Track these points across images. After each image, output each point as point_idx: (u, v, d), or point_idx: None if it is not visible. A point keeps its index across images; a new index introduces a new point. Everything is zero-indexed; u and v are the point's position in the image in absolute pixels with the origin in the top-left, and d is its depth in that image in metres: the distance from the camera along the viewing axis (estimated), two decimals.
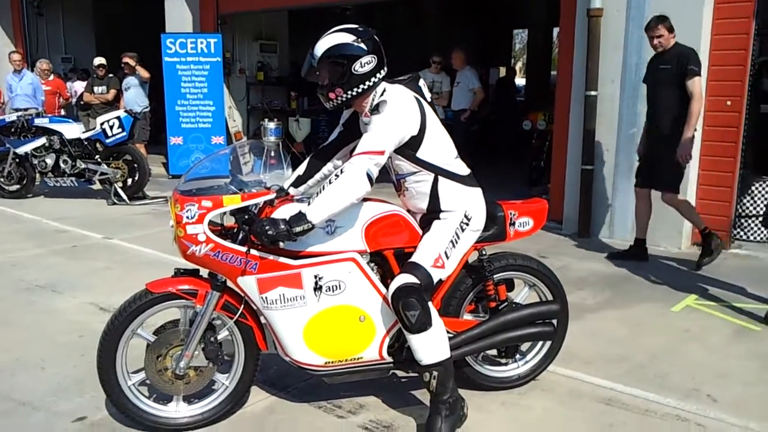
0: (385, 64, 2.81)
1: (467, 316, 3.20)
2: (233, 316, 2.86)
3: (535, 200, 3.27)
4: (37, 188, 8.69)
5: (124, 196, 8.16)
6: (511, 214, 3.12)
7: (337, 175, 2.67)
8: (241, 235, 2.75)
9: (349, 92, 2.77)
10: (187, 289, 2.83)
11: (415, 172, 2.87)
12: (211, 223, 2.78)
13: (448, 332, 2.97)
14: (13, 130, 8.21)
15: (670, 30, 5.16)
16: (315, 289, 2.78)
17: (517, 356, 3.33)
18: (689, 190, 5.88)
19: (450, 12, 14.95)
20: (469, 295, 3.16)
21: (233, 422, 3.01)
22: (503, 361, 3.33)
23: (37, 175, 8.39)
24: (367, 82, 2.76)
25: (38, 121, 8.23)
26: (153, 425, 2.89)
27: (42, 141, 8.17)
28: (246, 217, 2.77)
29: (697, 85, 5.00)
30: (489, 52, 16.49)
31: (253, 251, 2.73)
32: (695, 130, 5.15)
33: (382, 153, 2.67)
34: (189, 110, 10.14)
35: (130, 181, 8.33)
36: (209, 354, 2.86)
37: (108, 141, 8.08)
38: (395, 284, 2.74)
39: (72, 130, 8.21)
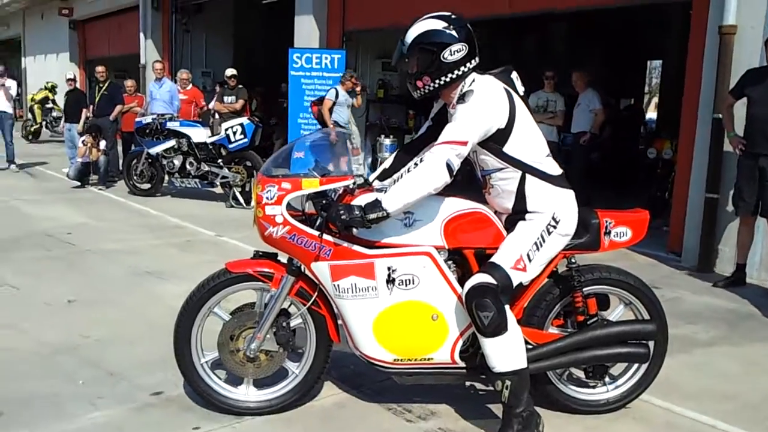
0: (477, 54, 2.71)
1: (553, 330, 3.00)
2: (307, 302, 2.84)
3: (636, 210, 3.02)
4: (166, 188, 9.26)
5: (242, 200, 8.49)
6: (606, 222, 2.90)
7: (416, 164, 2.59)
8: (318, 221, 2.73)
9: (437, 81, 2.68)
10: (264, 271, 2.85)
11: (501, 169, 2.73)
12: (293, 209, 2.79)
13: (528, 344, 2.79)
14: (147, 131, 8.80)
15: None
16: (387, 282, 2.70)
17: (607, 379, 3.07)
18: None
19: (579, 41, 14.50)
20: (555, 306, 2.96)
21: (301, 412, 2.98)
22: (591, 382, 3.08)
23: (166, 176, 8.93)
24: (456, 71, 2.66)
25: (170, 125, 8.77)
26: (221, 405, 2.91)
27: (172, 143, 8.69)
28: (324, 202, 2.76)
29: None
30: (621, 83, 15.81)
31: (327, 237, 2.70)
32: None
33: (464, 144, 2.56)
34: (311, 123, 10.41)
35: (248, 186, 8.66)
36: (280, 339, 2.86)
37: (231, 146, 8.46)
38: (470, 283, 2.61)
39: (199, 134, 8.67)
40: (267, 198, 2.72)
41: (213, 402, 2.91)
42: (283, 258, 2.92)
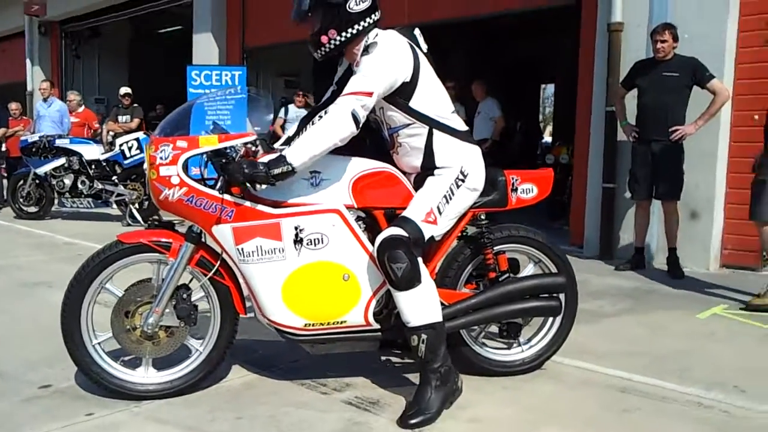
0: (379, 8, 2.67)
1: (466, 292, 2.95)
2: (208, 273, 2.66)
3: (542, 169, 3.06)
4: (56, 212, 8.70)
5: (139, 218, 8.07)
6: (513, 179, 2.91)
7: (321, 116, 2.50)
8: (219, 180, 2.58)
9: (344, 34, 2.61)
10: (160, 241, 2.65)
11: (409, 125, 2.68)
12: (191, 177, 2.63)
13: (442, 304, 2.73)
14: (34, 150, 8.26)
15: (675, 39, 5.24)
16: (295, 242, 2.57)
17: (521, 339, 3.05)
18: (716, 208, 5.59)
19: (477, 65, 14.97)
20: (467, 266, 2.93)
21: (206, 394, 2.77)
22: (505, 343, 3.05)
23: (56, 197, 8.38)
24: (362, 23, 2.60)
25: (59, 142, 8.28)
26: (118, 390, 2.66)
27: (61, 161, 8.19)
28: (224, 161, 2.61)
29: (721, 84, 5.04)
30: (517, 105, 16.41)
31: (229, 197, 2.56)
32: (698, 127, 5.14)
33: (369, 95, 2.50)
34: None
35: (147, 203, 8.28)
36: (181, 312, 2.66)
37: (126, 162, 8.08)
38: (382, 236, 2.53)
39: (91, 151, 8.24)
40: (161, 158, 2.55)
41: (108, 387, 2.65)
42: (181, 229, 2.74)
